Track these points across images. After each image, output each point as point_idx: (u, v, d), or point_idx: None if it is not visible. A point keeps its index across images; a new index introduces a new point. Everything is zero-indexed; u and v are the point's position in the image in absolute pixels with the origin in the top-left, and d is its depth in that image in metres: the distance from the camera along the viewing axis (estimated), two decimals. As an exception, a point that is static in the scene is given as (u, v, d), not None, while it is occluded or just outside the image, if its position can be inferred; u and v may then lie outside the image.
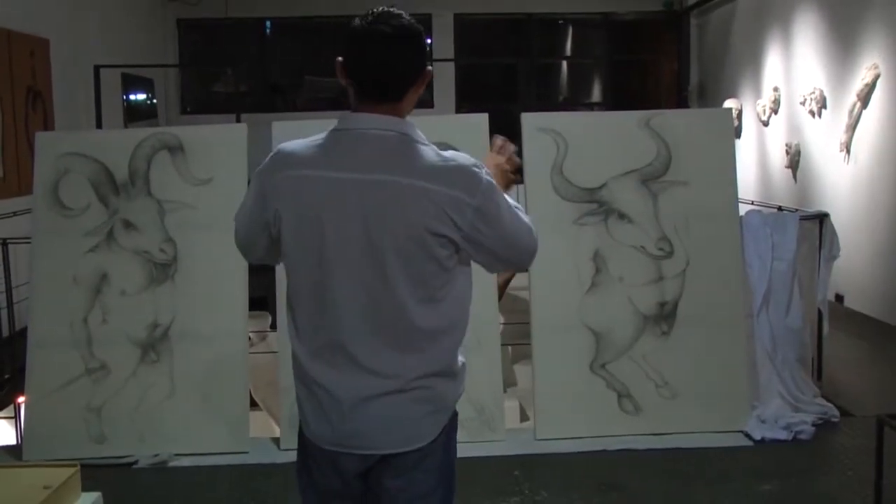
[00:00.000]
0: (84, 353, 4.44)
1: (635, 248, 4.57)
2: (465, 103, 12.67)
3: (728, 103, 10.53)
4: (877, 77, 7.09)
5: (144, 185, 4.53)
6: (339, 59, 1.93)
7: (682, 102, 12.13)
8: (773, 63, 9.56)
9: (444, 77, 12.65)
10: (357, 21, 1.91)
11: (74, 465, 2.34)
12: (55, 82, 8.22)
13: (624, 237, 4.57)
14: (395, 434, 1.95)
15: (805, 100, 8.48)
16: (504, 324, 5.19)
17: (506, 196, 2.05)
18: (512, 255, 2.03)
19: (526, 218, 2.04)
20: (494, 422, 4.46)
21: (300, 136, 2.06)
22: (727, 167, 4.71)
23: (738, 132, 10.23)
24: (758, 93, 10.01)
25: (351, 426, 1.94)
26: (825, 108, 8.12)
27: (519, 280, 5.40)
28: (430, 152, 1.92)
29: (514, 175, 2.22)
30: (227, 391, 4.44)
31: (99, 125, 9.05)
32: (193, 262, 4.49)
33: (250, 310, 4.62)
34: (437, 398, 1.97)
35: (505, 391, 4.72)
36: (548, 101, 13.82)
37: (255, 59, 13.50)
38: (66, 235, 4.50)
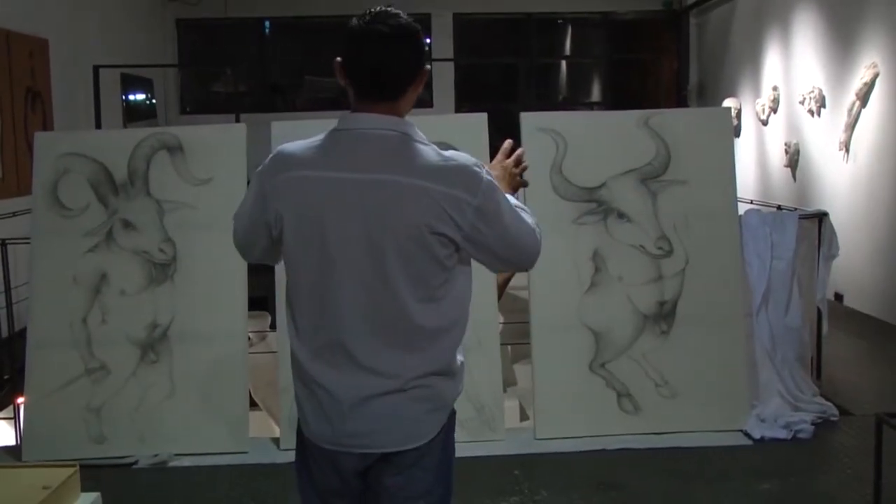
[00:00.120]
0: (84, 353, 4.44)
1: (635, 247, 4.57)
2: (464, 103, 12.67)
3: (727, 102, 10.53)
4: (876, 76, 7.09)
5: (144, 185, 4.53)
6: (338, 59, 1.93)
7: (681, 102, 12.13)
8: (772, 62, 9.56)
9: (443, 77, 12.65)
10: (354, 21, 1.92)
11: (74, 466, 2.34)
12: (54, 82, 8.21)
13: (623, 236, 4.57)
14: (394, 432, 1.95)
15: (804, 99, 8.49)
16: (504, 323, 5.19)
17: (512, 197, 2.06)
18: (512, 256, 2.04)
19: (530, 219, 2.05)
20: (494, 421, 4.46)
21: (299, 136, 2.07)
22: (726, 166, 4.71)
23: (737, 131, 10.23)
24: (757, 92, 10.01)
25: (351, 426, 1.94)
26: (824, 107, 8.12)
27: (518, 279, 5.40)
28: (430, 152, 1.92)
29: (522, 178, 2.24)
30: (227, 391, 4.45)
31: (98, 125, 9.05)
32: (193, 262, 4.49)
33: (250, 310, 4.62)
34: (437, 397, 1.98)
35: (505, 391, 4.72)
36: (547, 101, 13.83)
37: (254, 59, 13.51)
38: (66, 236, 4.50)
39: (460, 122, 5.04)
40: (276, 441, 4.53)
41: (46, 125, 7.92)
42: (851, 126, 7.48)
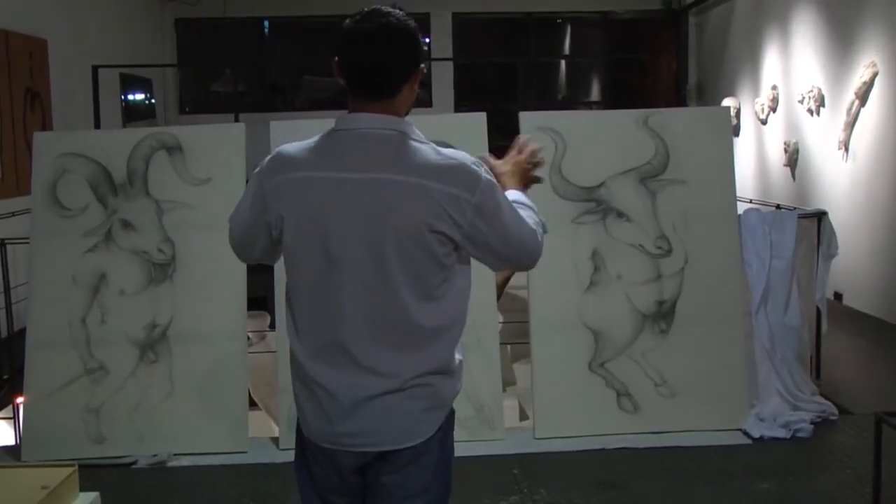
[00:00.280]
0: (83, 353, 4.44)
1: (634, 246, 4.58)
2: (463, 102, 12.66)
3: (726, 102, 10.54)
4: (875, 75, 7.09)
5: (143, 185, 4.53)
6: (336, 58, 1.94)
7: (680, 101, 12.12)
8: (771, 61, 9.56)
9: (442, 76, 12.65)
10: (348, 20, 1.93)
11: (72, 466, 2.34)
12: (53, 83, 8.21)
13: (622, 236, 4.57)
14: (391, 431, 1.95)
15: (803, 98, 8.49)
16: (503, 323, 5.19)
17: (522, 195, 2.07)
18: (512, 255, 2.04)
19: (535, 218, 2.06)
20: (493, 420, 4.47)
21: (298, 135, 2.07)
22: (725, 166, 4.71)
23: (736, 130, 10.24)
24: (756, 91, 10.01)
25: (350, 425, 1.95)
26: (823, 106, 8.12)
27: (518, 279, 5.40)
28: (428, 150, 1.92)
29: (536, 175, 2.25)
30: (226, 391, 4.44)
31: (97, 125, 9.06)
32: (192, 261, 4.49)
33: (249, 310, 4.62)
34: (435, 395, 1.98)
35: (504, 390, 4.72)
36: (546, 100, 13.82)
37: (253, 59, 13.51)
38: (65, 236, 4.50)
39: (459, 122, 5.04)
40: (275, 441, 4.53)
41: (45, 125, 7.92)
42: (850, 125, 7.48)
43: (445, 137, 3.85)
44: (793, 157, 8.80)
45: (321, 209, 1.91)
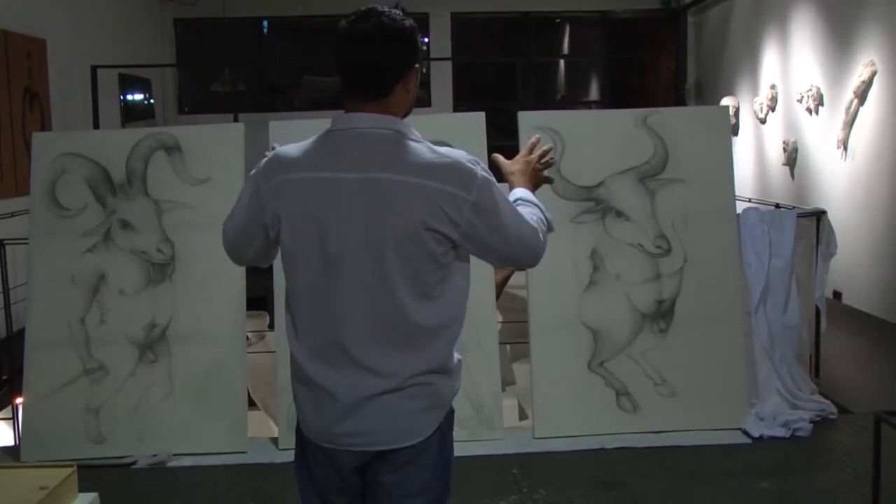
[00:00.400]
0: (82, 353, 4.44)
1: (633, 245, 4.58)
2: (462, 102, 12.65)
3: (725, 101, 10.53)
4: (873, 74, 7.09)
5: (142, 185, 4.53)
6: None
7: (679, 100, 12.12)
8: (770, 60, 9.56)
9: (441, 76, 12.65)
10: (343, 20, 1.94)
11: (71, 466, 2.34)
12: (52, 83, 8.21)
13: (622, 235, 4.57)
14: (390, 430, 1.95)
15: (802, 97, 8.49)
16: (502, 322, 5.19)
17: (531, 194, 2.07)
18: (512, 253, 2.04)
19: (538, 216, 2.07)
20: (493, 420, 4.46)
21: (297, 135, 2.07)
22: (724, 165, 4.71)
23: (735, 130, 10.24)
24: (755, 90, 10.01)
25: (349, 424, 1.95)
26: (822, 105, 8.13)
27: (517, 278, 5.39)
28: (424, 149, 1.93)
29: (546, 175, 2.25)
30: (226, 391, 4.44)
31: (96, 125, 9.05)
32: (191, 261, 4.48)
33: (249, 310, 4.61)
34: (434, 394, 1.98)
35: (503, 389, 4.72)
36: (545, 100, 13.81)
37: (252, 59, 13.50)
38: (64, 236, 4.49)
39: (458, 121, 5.05)
40: (274, 441, 4.53)
41: (44, 125, 7.92)
42: (849, 124, 7.48)
43: (444, 137, 3.87)
44: (792, 156, 8.80)
45: (319, 209, 1.91)
